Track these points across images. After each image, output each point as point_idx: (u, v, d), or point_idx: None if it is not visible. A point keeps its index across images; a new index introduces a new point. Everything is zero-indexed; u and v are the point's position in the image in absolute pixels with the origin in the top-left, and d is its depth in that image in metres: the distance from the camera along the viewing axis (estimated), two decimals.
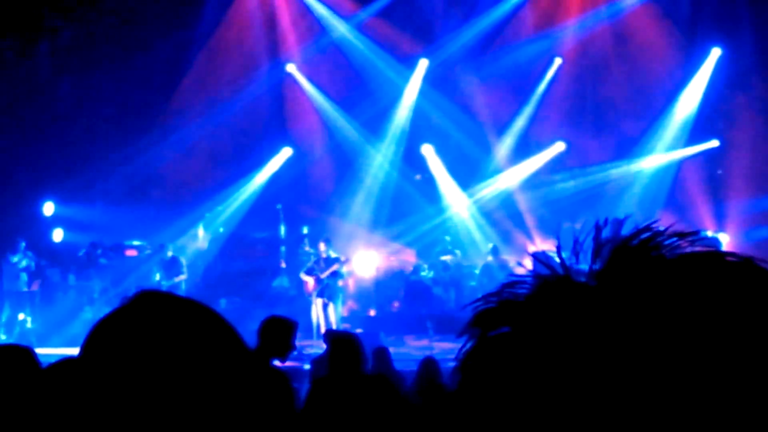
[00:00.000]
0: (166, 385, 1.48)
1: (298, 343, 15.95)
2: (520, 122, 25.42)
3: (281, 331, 7.22)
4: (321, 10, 25.33)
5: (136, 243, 23.13)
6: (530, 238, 24.48)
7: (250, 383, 1.57)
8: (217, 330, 1.58)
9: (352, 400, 7.02)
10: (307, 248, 22.37)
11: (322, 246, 20.38)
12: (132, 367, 1.49)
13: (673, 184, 24.27)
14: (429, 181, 25.35)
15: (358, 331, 18.74)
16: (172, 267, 20.68)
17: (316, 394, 7.23)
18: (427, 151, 25.39)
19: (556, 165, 25.01)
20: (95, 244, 21.76)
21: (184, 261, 21.09)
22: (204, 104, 24.27)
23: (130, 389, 1.47)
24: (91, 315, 20.43)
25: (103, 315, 1.60)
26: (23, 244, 20.71)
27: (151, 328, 1.53)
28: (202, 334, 1.55)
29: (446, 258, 23.28)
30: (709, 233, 22.53)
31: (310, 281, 20.09)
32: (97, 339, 1.55)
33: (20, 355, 4.97)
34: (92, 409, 1.48)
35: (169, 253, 20.84)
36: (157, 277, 20.54)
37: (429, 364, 9.91)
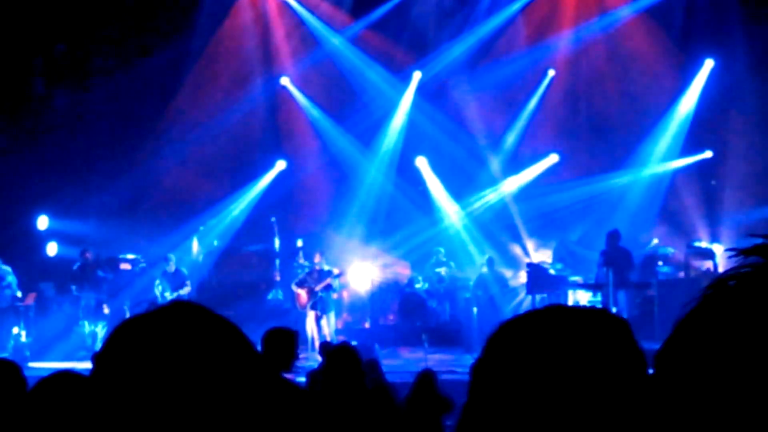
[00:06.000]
0: (192, 398, 1.47)
1: None
2: (513, 134, 25.42)
3: (284, 342, 7.24)
4: (315, 23, 25.35)
5: (130, 256, 23.09)
6: (524, 249, 24.49)
7: (273, 396, 1.57)
8: (243, 344, 1.58)
9: (352, 414, 7.01)
10: (301, 261, 22.34)
11: (317, 257, 20.38)
12: (156, 377, 1.48)
13: (666, 195, 24.25)
14: (423, 193, 25.32)
15: (353, 343, 18.75)
16: (175, 279, 20.67)
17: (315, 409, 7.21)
18: (421, 163, 25.40)
19: (549, 176, 24.98)
20: (86, 250, 21.59)
21: (186, 273, 21.09)
22: (198, 117, 24.24)
23: (153, 400, 1.46)
24: (86, 329, 20.41)
25: (126, 322, 1.58)
26: None
27: (180, 339, 1.52)
28: (230, 350, 1.55)
29: (441, 270, 23.26)
30: (703, 244, 22.57)
31: (302, 294, 20.08)
32: (119, 347, 1.53)
33: (7, 369, 4.96)
34: (107, 419, 1.47)
35: (172, 265, 20.83)
36: (159, 289, 20.53)
37: (426, 375, 9.88)
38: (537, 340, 1.42)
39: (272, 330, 7.34)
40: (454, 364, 17.02)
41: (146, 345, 1.51)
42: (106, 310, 20.71)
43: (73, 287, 21.09)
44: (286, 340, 7.28)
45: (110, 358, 1.53)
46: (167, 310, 1.57)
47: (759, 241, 1.21)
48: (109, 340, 1.55)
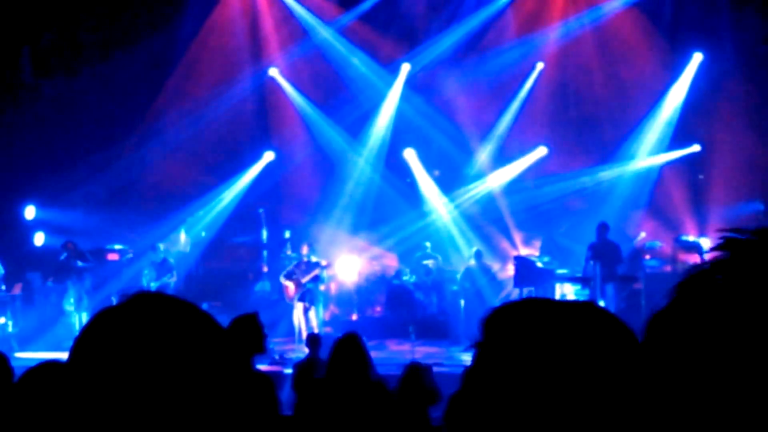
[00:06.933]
0: (158, 386, 1.48)
1: (280, 347, 15.90)
2: (502, 127, 25.43)
3: (249, 326, 7.28)
4: (303, 14, 25.30)
5: (117, 247, 23.06)
6: (512, 242, 24.51)
7: (238, 386, 1.57)
8: (209, 333, 1.59)
9: (356, 403, 7.04)
10: (289, 252, 22.36)
11: (304, 249, 20.36)
12: (125, 365, 1.49)
13: (654, 189, 24.29)
14: (411, 186, 25.33)
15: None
16: (161, 268, 20.67)
17: (315, 396, 7.24)
18: (409, 155, 25.39)
19: (538, 169, 25.01)
20: (69, 241, 21.48)
21: (173, 262, 21.07)
22: (186, 108, 24.20)
23: (123, 388, 1.47)
24: (72, 319, 20.39)
25: (98, 313, 1.60)
26: None
27: (146, 328, 1.53)
28: (195, 336, 1.56)
29: (428, 262, 23.28)
30: (691, 238, 22.62)
31: (290, 286, 20.06)
32: (90, 337, 1.55)
33: None
34: (82, 407, 1.48)
35: (160, 255, 20.83)
36: (147, 278, 20.50)
37: (415, 369, 9.86)
38: (532, 329, 1.42)
39: (235, 319, 7.39)
40: (441, 357, 17.06)
41: (110, 336, 1.53)
42: (87, 300, 20.69)
43: (50, 281, 21.10)
44: (250, 323, 7.34)
45: (79, 351, 1.55)
46: (132, 302, 1.59)
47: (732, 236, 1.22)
48: (80, 333, 1.58)
